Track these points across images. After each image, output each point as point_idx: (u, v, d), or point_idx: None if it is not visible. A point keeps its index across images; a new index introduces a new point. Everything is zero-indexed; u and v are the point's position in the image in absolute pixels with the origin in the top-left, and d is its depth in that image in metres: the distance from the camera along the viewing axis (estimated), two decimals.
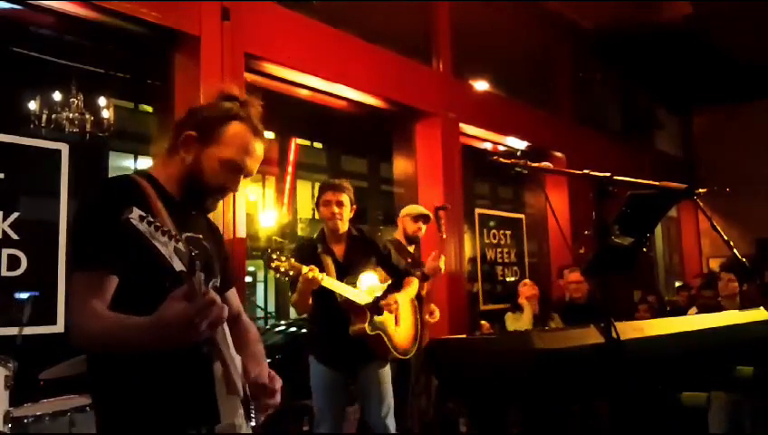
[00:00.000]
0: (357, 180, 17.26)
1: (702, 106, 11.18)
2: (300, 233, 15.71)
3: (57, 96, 7.69)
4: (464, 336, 3.36)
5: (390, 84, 5.79)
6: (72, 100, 7.63)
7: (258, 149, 1.72)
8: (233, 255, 4.15)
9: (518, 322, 5.23)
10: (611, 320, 1.93)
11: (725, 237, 2.41)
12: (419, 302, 4.01)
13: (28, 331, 3.33)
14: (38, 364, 3.40)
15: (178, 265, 1.37)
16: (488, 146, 7.37)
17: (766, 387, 3.15)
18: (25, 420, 3.06)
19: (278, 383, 1.72)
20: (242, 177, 1.72)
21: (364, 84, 5.54)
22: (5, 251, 3.52)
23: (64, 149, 3.82)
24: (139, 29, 4.08)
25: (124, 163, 13.84)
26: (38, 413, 3.11)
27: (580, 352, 2.02)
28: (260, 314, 16.06)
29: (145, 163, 12.46)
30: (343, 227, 3.47)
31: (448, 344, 2.54)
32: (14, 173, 3.60)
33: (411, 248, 4.51)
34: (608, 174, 2.07)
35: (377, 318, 3.41)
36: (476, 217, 6.90)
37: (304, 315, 3.66)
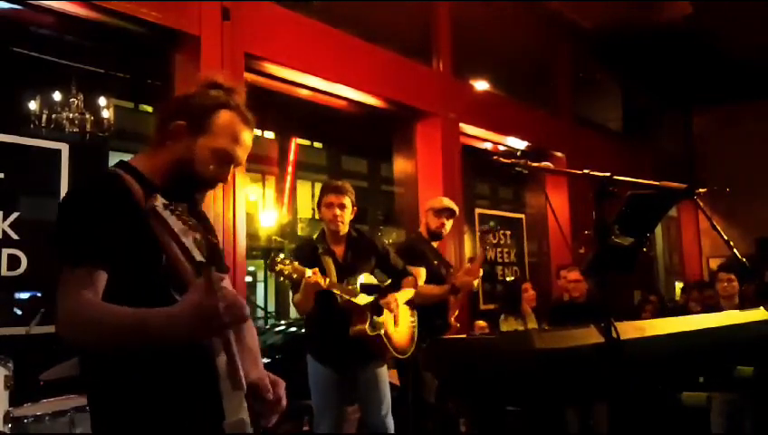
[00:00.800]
0: (357, 180, 17.25)
1: (702, 106, 11.17)
2: (300, 233, 15.70)
3: (57, 96, 7.68)
4: (463, 336, 3.36)
5: (390, 84, 5.79)
6: (72, 100, 7.63)
7: (248, 138, 1.70)
8: (233, 254, 4.15)
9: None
10: (611, 320, 1.93)
11: (725, 237, 2.40)
12: (443, 307, 3.99)
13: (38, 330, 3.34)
14: (38, 364, 3.40)
15: (198, 256, 1.36)
16: (488, 146, 7.37)
17: (766, 387, 3.15)
18: (25, 420, 3.05)
19: (282, 387, 1.69)
20: (232, 167, 1.69)
21: (364, 84, 5.54)
22: (5, 251, 3.52)
23: (64, 149, 3.83)
24: (139, 29, 4.08)
25: None
26: (38, 413, 3.10)
27: (581, 352, 2.01)
28: (260, 314, 16.06)
29: None
30: (344, 229, 3.51)
31: (448, 344, 2.54)
32: (14, 173, 3.61)
33: (435, 244, 4.26)
34: (608, 174, 2.07)
35: (376, 319, 3.43)
36: (476, 217, 6.91)
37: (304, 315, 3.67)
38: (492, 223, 5.26)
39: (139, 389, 1.53)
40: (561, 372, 1.96)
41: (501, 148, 7.40)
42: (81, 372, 1.62)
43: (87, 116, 7.73)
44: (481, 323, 6.00)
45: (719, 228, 2.43)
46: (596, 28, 8.38)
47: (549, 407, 2.11)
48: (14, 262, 3.54)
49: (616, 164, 5.85)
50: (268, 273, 18.20)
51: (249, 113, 1.72)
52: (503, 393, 2.09)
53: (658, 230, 10.76)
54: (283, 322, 10.00)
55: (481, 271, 4.06)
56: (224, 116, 1.66)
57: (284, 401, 1.68)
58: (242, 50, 4.44)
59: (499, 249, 7.11)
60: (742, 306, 4.64)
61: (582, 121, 8.75)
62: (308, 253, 3.42)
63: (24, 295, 3.82)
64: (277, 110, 7.98)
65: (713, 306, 5.21)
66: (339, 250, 3.52)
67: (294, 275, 3.13)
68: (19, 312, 3.75)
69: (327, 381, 3.49)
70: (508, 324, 5.30)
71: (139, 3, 3.91)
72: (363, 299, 3.39)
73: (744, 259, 2.88)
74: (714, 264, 10.16)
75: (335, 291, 3.29)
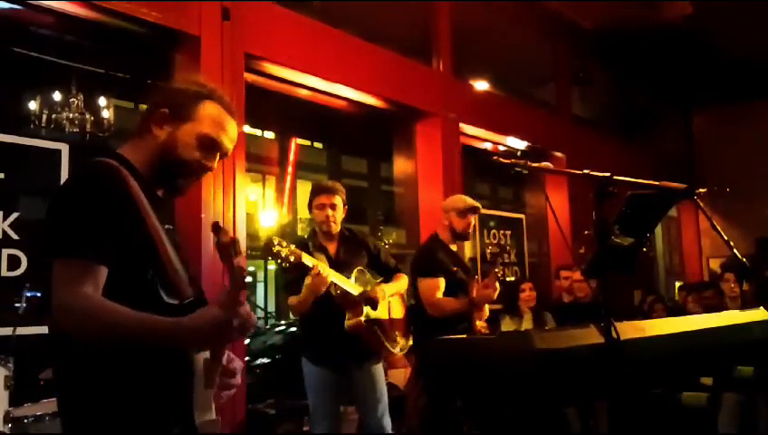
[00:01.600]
0: (357, 180, 17.27)
1: (702, 106, 11.17)
2: (300, 233, 15.70)
3: (57, 96, 7.69)
4: (464, 336, 3.36)
5: (390, 84, 5.79)
6: (72, 100, 7.64)
7: (233, 128, 1.71)
8: None
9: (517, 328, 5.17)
10: (611, 320, 1.93)
11: (725, 237, 2.41)
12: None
13: (27, 331, 3.33)
14: (38, 364, 3.40)
15: (239, 279, 1.43)
16: (488, 146, 7.37)
17: (766, 387, 3.15)
18: (25, 420, 3.06)
19: (237, 364, 1.66)
20: (218, 156, 1.69)
21: (364, 84, 5.54)
22: (5, 251, 3.52)
23: (64, 149, 3.83)
24: (139, 29, 4.08)
25: None
26: (38, 413, 3.11)
27: (581, 352, 2.01)
28: (260, 314, 16.06)
29: None
30: (336, 228, 3.54)
31: (448, 344, 2.54)
32: (14, 173, 3.61)
33: (454, 247, 4.09)
34: (608, 174, 2.07)
35: (371, 313, 3.43)
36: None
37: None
38: (492, 250, 5.06)
39: (112, 383, 1.49)
40: (561, 372, 1.96)
41: (501, 148, 7.40)
42: (54, 370, 1.58)
43: (87, 116, 7.74)
44: (481, 323, 6.00)
45: (719, 228, 2.43)
46: (596, 28, 8.38)
47: (549, 407, 2.11)
48: (14, 262, 3.54)
49: (616, 164, 5.85)
50: (269, 273, 18.17)
51: (233, 106, 1.73)
52: (503, 393, 2.09)
53: (658, 230, 10.75)
54: (283, 322, 10.01)
55: (498, 285, 3.87)
56: (208, 106, 1.67)
57: (239, 378, 1.67)
58: (242, 50, 4.44)
59: (499, 249, 7.11)
60: (742, 306, 4.65)
61: (582, 121, 8.75)
62: (300, 249, 3.43)
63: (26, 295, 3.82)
64: (277, 110, 7.99)
65: (713, 307, 5.21)
66: (331, 248, 3.55)
67: (291, 258, 3.07)
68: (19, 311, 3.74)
69: (323, 382, 3.50)
70: (506, 324, 5.31)
71: (139, 3, 3.91)
72: (355, 288, 3.41)
73: (744, 259, 2.89)
74: (714, 264, 10.16)
75: (336, 280, 3.27)
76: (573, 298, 5.84)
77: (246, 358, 5.79)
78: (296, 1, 5.09)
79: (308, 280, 3.18)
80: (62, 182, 1.58)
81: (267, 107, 6.87)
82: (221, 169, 4.03)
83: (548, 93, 8.53)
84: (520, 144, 7.46)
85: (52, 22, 4.07)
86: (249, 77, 4.58)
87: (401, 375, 5.31)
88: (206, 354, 1.53)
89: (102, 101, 7.97)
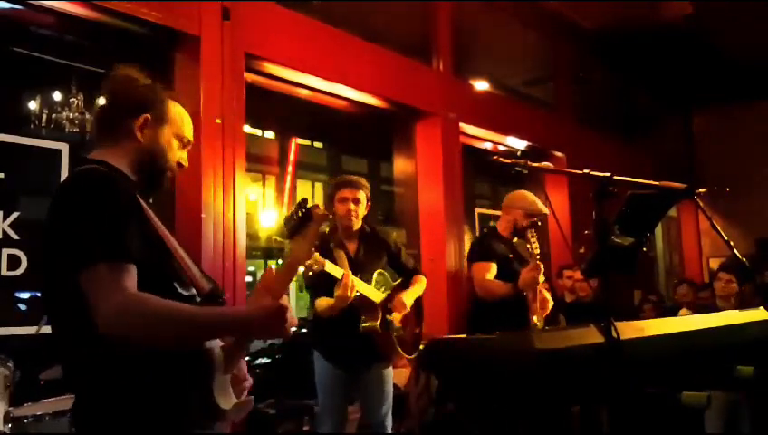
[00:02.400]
0: None
1: (702, 106, 11.16)
2: None
3: (57, 96, 7.69)
4: (464, 336, 3.36)
5: (390, 84, 5.79)
6: (72, 100, 7.63)
7: (189, 118, 1.84)
8: (233, 254, 4.14)
9: None
10: (611, 320, 1.93)
11: (725, 237, 2.41)
12: (522, 306, 3.81)
13: (26, 331, 3.33)
14: (38, 364, 3.40)
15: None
16: (488, 146, 7.37)
17: (766, 387, 3.15)
18: (25, 420, 3.05)
19: (244, 368, 1.73)
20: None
21: (364, 84, 5.53)
22: (5, 251, 3.52)
23: (64, 149, 3.83)
24: (140, 29, 4.07)
25: None
26: (38, 413, 3.10)
27: (581, 352, 2.01)
28: None
29: None
30: (357, 224, 3.50)
31: (448, 344, 2.54)
32: (14, 173, 3.61)
33: (515, 239, 4.03)
34: (608, 174, 2.07)
35: (387, 317, 3.41)
36: (476, 217, 6.91)
37: (304, 315, 3.67)
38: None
39: (131, 381, 1.51)
40: (561, 372, 1.96)
41: (501, 148, 7.40)
42: (65, 372, 1.60)
43: (87, 116, 7.74)
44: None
45: (719, 228, 2.43)
46: (596, 28, 8.38)
47: (549, 407, 2.11)
48: (14, 262, 3.54)
49: (616, 164, 5.85)
50: None
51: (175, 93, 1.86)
52: (503, 393, 2.09)
53: (658, 230, 10.75)
54: None
55: (541, 266, 3.77)
56: (173, 105, 1.79)
57: (250, 379, 1.74)
58: (242, 50, 4.44)
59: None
60: (741, 307, 4.64)
61: (582, 121, 8.75)
62: (320, 247, 3.41)
63: (25, 295, 3.82)
64: (277, 110, 7.98)
65: (707, 307, 5.21)
66: (351, 245, 3.51)
67: (315, 266, 3.07)
68: (20, 310, 3.75)
69: (334, 379, 3.49)
70: None
71: (139, 3, 3.91)
72: (377, 296, 3.39)
73: (744, 259, 2.89)
74: (714, 264, 10.15)
75: (360, 288, 3.26)
76: (575, 298, 5.85)
77: (246, 358, 5.78)
78: (296, 1, 5.09)
79: (338, 291, 3.16)
80: (61, 184, 1.59)
81: (267, 107, 6.87)
82: (221, 169, 4.03)
83: (548, 93, 8.53)
84: (520, 144, 7.46)
85: (52, 22, 4.06)
86: (249, 77, 4.57)
87: (401, 375, 5.31)
88: (220, 342, 1.55)
89: (103, 101, 7.97)
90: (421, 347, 3.70)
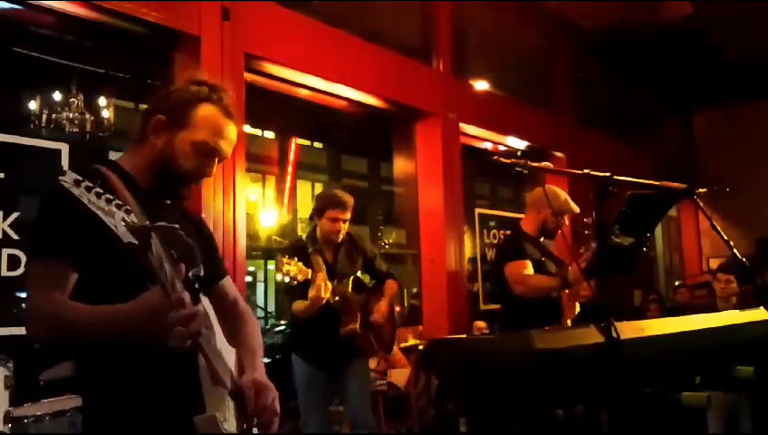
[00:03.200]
0: (357, 180, 17.25)
1: (702, 106, 11.17)
2: (300, 233, 15.70)
3: (57, 96, 7.69)
4: (463, 336, 3.37)
5: (390, 84, 5.79)
6: (72, 100, 7.63)
7: (231, 131, 1.68)
8: (233, 254, 4.15)
9: None
10: (611, 320, 1.93)
11: (725, 237, 2.40)
12: (555, 308, 3.63)
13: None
14: (38, 364, 3.40)
15: (126, 237, 1.23)
16: (488, 146, 7.37)
17: (766, 387, 3.15)
18: (25, 420, 3.05)
19: (269, 396, 1.63)
20: (216, 161, 1.67)
21: (364, 84, 5.54)
22: (5, 251, 3.52)
23: (64, 149, 3.83)
24: (140, 29, 4.08)
25: None
26: (38, 413, 3.10)
27: (581, 352, 2.01)
28: (260, 314, 16.06)
29: None
30: (341, 238, 3.65)
31: (448, 344, 2.53)
32: (14, 173, 3.61)
33: (542, 239, 3.84)
34: (608, 174, 2.07)
35: (369, 318, 3.64)
36: (476, 216, 6.90)
37: None
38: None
39: (127, 386, 1.51)
40: (561, 372, 1.96)
41: (501, 148, 7.40)
42: (75, 371, 1.62)
43: (87, 116, 7.74)
44: (481, 323, 6.00)
45: (719, 228, 2.43)
46: (596, 28, 8.38)
47: (549, 407, 2.11)
48: (14, 262, 3.54)
49: (616, 164, 5.85)
50: (270, 273, 18.20)
51: (233, 107, 1.70)
52: (503, 393, 2.09)
53: (658, 230, 10.75)
54: (283, 322, 10.01)
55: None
56: (204, 109, 1.64)
57: (273, 409, 1.62)
58: (242, 50, 4.44)
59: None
60: (741, 307, 4.64)
61: (582, 121, 8.75)
62: (299, 252, 3.51)
63: (25, 295, 3.82)
64: (277, 110, 7.98)
65: (706, 306, 5.21)
66: (329, 253, 3.64)
67: (300, 277, 3.26)
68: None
69: (314, 380, 3.63)
70: None
71: (139, 3, 3.91)
72: (356, 299, 3.57)
73: (744, 259, 2.88)
74: (714, 264, 10.15)
75: (337, 298, 3.43)
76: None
77: None
78: (296, 1, 5.09)
79: (311, 292, 3.30)
80: None
81: (267, 107, 6.87)
82: (221, 169, 4.02)
83: (548, 93, 8.53)
84: (520, 144, 7.46)
85: (52, 22, 4.07)
86: (249, 77, 4.58)
87: (401, 375, 5.31)
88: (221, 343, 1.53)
89: (102, 101, 7.96)
90: (421, 347, 3.81)
